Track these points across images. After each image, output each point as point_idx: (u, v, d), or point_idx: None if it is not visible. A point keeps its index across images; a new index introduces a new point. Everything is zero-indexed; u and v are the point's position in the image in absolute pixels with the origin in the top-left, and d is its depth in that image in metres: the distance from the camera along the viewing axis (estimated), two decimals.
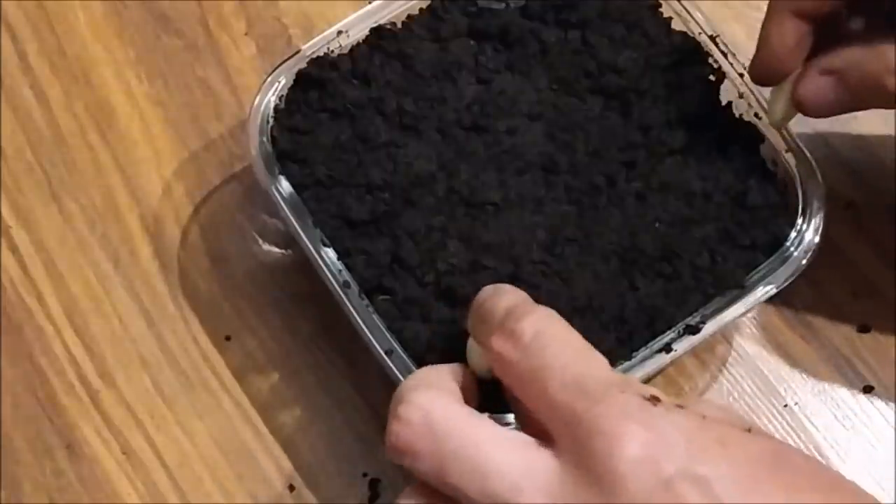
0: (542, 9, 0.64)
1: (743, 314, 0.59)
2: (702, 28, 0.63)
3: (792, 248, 0.59)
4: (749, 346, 0.64)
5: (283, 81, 0.62)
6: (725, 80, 0.63)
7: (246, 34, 0.70)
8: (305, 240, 0.59)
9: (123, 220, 0.66)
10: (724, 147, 0.62)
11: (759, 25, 0.58)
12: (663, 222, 0.60)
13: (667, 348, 0.57)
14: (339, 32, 0.63)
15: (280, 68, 0.62)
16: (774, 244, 0.60)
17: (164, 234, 0.66)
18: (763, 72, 0.59)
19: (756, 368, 0.64)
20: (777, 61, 0.58)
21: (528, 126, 0.62)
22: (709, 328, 0.58)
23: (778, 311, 0.64)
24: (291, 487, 0.62)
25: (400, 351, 0.57)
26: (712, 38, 0.63)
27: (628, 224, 0.60)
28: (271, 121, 0.61)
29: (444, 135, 0.62)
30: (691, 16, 0.63)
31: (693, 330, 0.58)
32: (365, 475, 0.62)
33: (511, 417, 0.55)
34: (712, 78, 0.63)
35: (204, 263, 0.66)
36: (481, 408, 0.52)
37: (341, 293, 0.58)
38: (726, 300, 0.58)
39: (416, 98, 0.62)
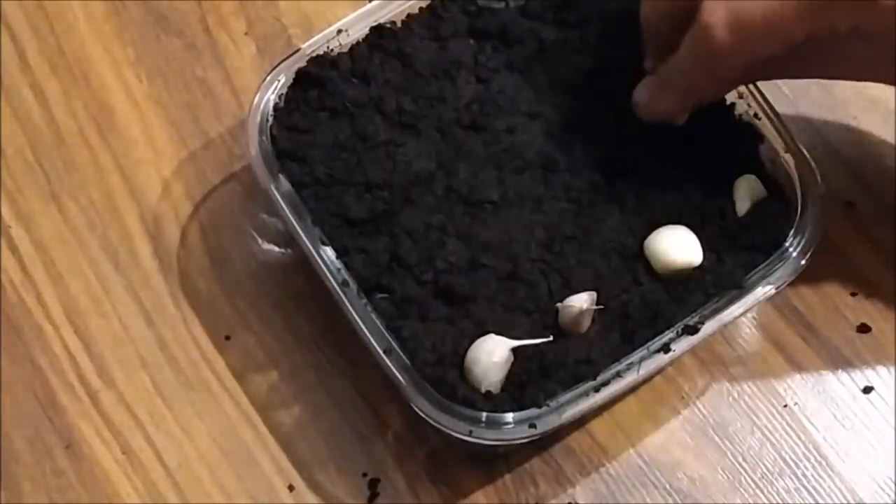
0: (541, 8, 0.64)
1: (742, 314, 0.59)
2: None
3: (791, 249, 0.59)
4: (749, 346, 0.64)
5: (282, 80, 0.62)
6: None
7: (246, 34, 0.70)
8: (304, 239, 0.59)
9: (123, 220, 0.66)
10: (724, 147, 0.62)
11: None
12: (662, 221, 0.60)
13: (665, 348, 0.57)
14: (339, 31, 0.63)
15: (280, 67, 0.62)
16: (774, 244, 0.60)
17: (163, 233, 0.66)
18: None
19: (756, 368, 0.63)
20: None
21: (527, 125, 0.62)
22: (708, 328, 0.58)
23: (778, 311, 0.64)
24: (291, 487, 0.61)
25: (398, 350, 0.57)
26: None
27: (627, 223, 0.60)
28: (271, 119, 0.61)
29: (444, 134, 0.62)
30: None
31: (692, 330, 0.57)
32: (365, 475, 0.62)
33: (510, 417, 0.55)
34: None
35: (203, 263, 0.65)
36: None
37: (340, 292, 0.58)
38: (725, 300, 0.58)
39: (415, 97, 0.62)
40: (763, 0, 0.53)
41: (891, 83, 0.58)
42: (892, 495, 0.61)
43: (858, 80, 0.61)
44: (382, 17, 0.63)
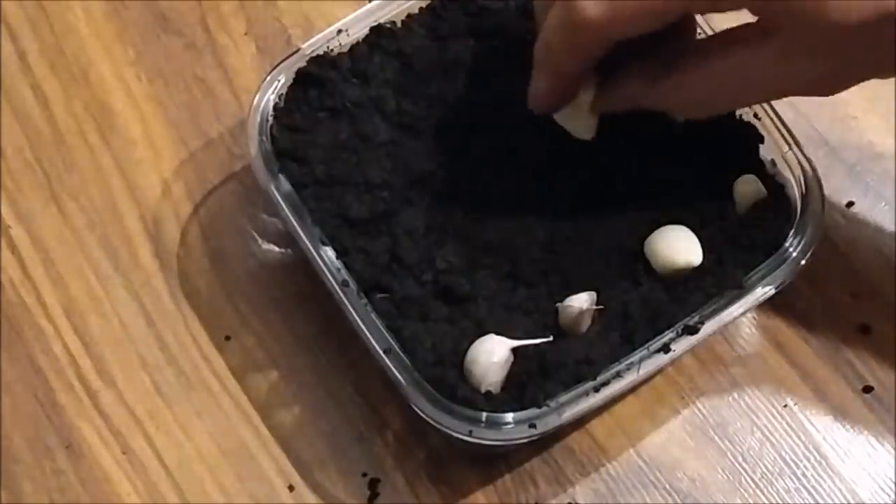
0: None
1: (742, 314, 0.59)
2: (701, 28, 0.63)
3: (791, 249, 0.59)
4: (749, 346, 0.64)
5: (282, 80, 0.62)
6: None
7: (246, 34, 0.70)
8: (304, 239, 0.59)
9: (123, 220, 0.66)
10: (724, 147, 0.62)
11: None
12: (662, 221, 0.60)
13: (665, 348, 0.57)
14: (339, 31, 0.63)
15: (280, 67, 0.62)
16: (774, 244, 0.60)
17: (163, 234, 0.66)
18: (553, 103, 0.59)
19: (756, 368, 0.63)
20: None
21: (527, 125, 0.62)
22: (708, 328, 0.58)
23: (778, 311, 0.64)
24: (291, 487, 0.61)
25: (398, 350, 0.57)
26: None
27: (627, 223, 0.60)
28: (271, 119, 0.61)
29: (444, 134, 0.62)
30: None
31: (692, 330, 0.57)
32: (365, 475, 0.62)
33: (510, 417, 0.55)
34: None
35: (203, 263, 0.65)
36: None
37: (340, 292, 0.58)
38: (725, 300, 0.58)
39: (415, 97, 0.62)
40: None
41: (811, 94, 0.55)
42: (892, 495, 0.61)
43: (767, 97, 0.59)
44: (382, 17, 0.63)
